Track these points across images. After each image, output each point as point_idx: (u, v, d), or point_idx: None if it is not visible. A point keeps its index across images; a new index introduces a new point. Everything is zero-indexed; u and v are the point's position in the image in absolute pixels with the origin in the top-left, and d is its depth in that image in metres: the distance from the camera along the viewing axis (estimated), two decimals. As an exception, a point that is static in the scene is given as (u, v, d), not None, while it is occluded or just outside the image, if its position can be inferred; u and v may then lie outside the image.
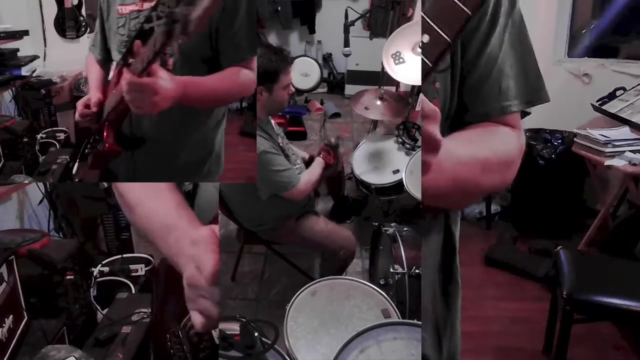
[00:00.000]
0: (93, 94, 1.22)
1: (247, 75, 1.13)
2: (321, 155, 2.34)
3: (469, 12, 0.50)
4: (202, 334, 0.75)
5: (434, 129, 0.56)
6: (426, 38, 0.53)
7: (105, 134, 1.15)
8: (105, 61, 1.32)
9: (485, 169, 0.74)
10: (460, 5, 0.50)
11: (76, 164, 1.30)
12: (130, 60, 0.92)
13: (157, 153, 1.23)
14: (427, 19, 0.53)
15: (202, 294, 0.63)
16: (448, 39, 0.52)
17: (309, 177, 2.22)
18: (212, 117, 1.25)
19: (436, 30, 0.52)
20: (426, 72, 0.53)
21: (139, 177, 1.25)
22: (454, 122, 0.81)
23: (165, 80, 0.92)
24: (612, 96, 3.01)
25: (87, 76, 1.36)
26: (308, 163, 2.38)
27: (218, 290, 0.63)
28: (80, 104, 1.21)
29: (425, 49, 0.53)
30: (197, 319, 0.64)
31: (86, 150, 1.26)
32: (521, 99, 0.80)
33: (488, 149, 0.74)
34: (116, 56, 1.20)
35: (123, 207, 0.87)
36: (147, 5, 1.11)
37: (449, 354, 0.90)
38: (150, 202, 0.80)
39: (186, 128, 1.21)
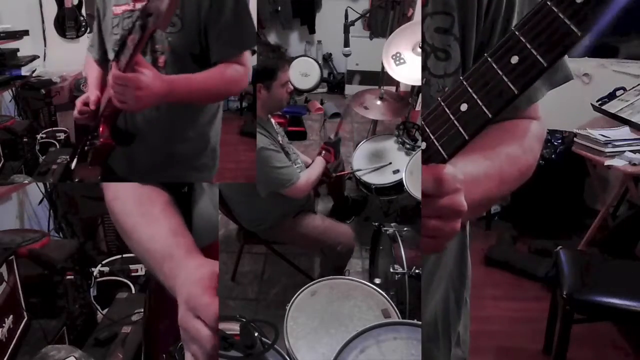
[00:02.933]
0: (92, 92, 1.22)
1: (237, 71, 1.11)
2: (322, 154, 2.34)
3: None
4: None
5: (462, 200, 0.54)
6: (465, 107, 0.52)
7: (100, 129, 1.16)
8: (103, 61, 1.32)
9: (503, 180, 0.72)
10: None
11: (74, 162, 1.30)
12: (121, 56, 0.93)
13: (152, 148, 1.22)
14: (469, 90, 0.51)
15: (193, 337, 0.60)
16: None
17: (309, 175, 2.23)
18: (204, 113, 1.24)
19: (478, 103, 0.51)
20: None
21: (136, 172, 1.24)
22: None
23: (148, 77, 0.93)
24: (612, 96, 3.01)
25: (86, 76, 1.36)
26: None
27: (214, 339, 0.59)
28: (79, 101, 1.21)
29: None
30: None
31: (85, 148, 1.26)
32: (546, 83, 0.77)
33: (505, 161, 0.72)
34: (112, 55, 1.20)
35: (119, 232, 0.84)
36: (138, 5, 1.11)
37: (458, 356, 0.89)
38: (145, 229, 0.77)
39: (178, 123, 1.21)
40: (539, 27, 0.46)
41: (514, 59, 0.47)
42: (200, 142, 1.26)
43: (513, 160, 0.73)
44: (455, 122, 0.53)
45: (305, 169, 2.31)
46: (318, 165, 2.30)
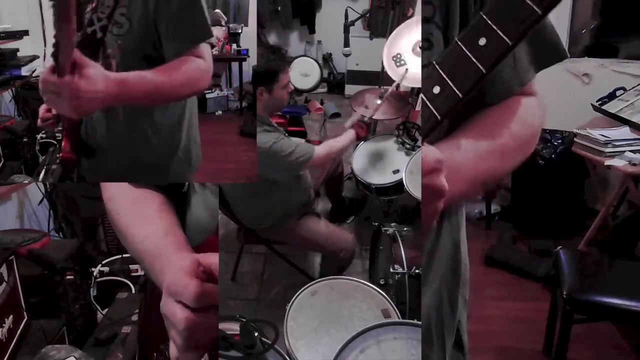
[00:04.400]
0: None
1: (197, 65, 1.02)
2: (354, 127, 2.30)
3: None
4: None
5: (441, 180, 0.55)
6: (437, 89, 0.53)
7: (63, 143, 1.10)
8: None
9: (505, 156, 0.73)
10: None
11: (42, 175, 1.26)
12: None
13: (117, 156, 1.16)
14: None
15: (172, 323, 0.59)
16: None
17: (333, 142, 2.21)
18: (168, 114, 1.15)
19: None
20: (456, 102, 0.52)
21: (107, 180, 1.20)
22: (469, 109, 0.77)
23: (93, 81, 0.80)
24: (612, 96, 3.01)
25: None
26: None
27: (191, 321, 0.58)
28: (42, 108, 1.13)
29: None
30: (171, 350, 0.61)
31: (52, 165, 1.21)
32: (537, 64, 0.77)
33: (506, 135, 0.73)
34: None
35: (115, 231, 0.83)
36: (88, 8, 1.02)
37: (454, 355, 0.89)
38: (139, 228, 0.77)
39: (139, 129, 1.13)
40: (504, 9, 0.49)
41: (482, 41, 0.50)
42: (166, 147, 1.19)
43: (513, 135, 0.74)
44: (429, 104, 0.55)
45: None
46: (347, 136, 2.26)
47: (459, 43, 0.52)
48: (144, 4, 1.02)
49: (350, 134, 2.29)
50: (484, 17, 0.50)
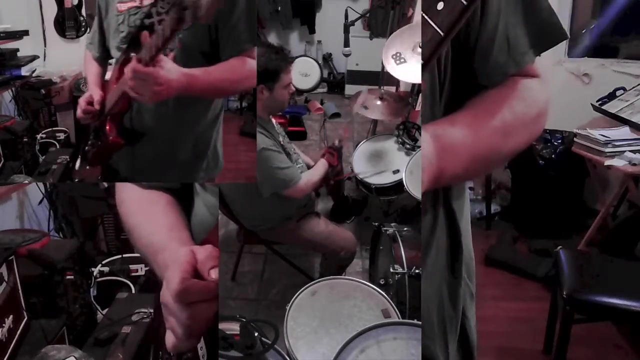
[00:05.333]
0: (95, 91, 1.22)
1: (251, 65, 1.13)
2: (325, 157, 2.34)
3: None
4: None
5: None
6: (440, 5, 0.51)
7: (107, 127, 1.16)
8: (103, 59, 1.32)
9: (507, 134, 0.71)
10: None
11: (78, 162, 1.30)
12: (132, 54, 0.92)
13: (157, 148, 1.23)
14: None
15: (169, 311, 0.60)
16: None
17: (310, 176, 2.23)
18: (209, 112, 1.25)
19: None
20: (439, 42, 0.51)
21: (139, 172, 1.25)
22: (466, 92, 0.76)
23: (169, 72, 0.93)
24: (612, 96, 3.01)
25: (85, 74, 1.36)
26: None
27: (185, 311, 0.58)
28: (82, 101, 1.21)
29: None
30: (168, 338, 0.61)
31: (86, 148, 1.26)
32: (536, 46, 0.75)
33: (507, 112, 0.71)
34: (115, 54, 1.20)
35: (126, 232, 0.88)
36: (146, 2, 1.10)
37: (460, 355, 0.88)
38: (145, 225, 0.80)
39: (184, 122, 1.21)
40: None
41: (440, 5, 0.50)
42: (202, 143, 1.26)
43: (515, 113, 0.72)
44: (430, 21, 0.54)
45: (306, 169, 2.31)
46: (320, 167, 2.30)
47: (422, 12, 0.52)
48: None
49: (322, 164, 2.31)
50: None
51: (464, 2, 0.47)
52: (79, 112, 1.22)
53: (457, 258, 0.86)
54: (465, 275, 0.87)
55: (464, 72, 0.76)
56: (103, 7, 1.23)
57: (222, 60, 1.12)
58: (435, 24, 0.50)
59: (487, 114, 0.71)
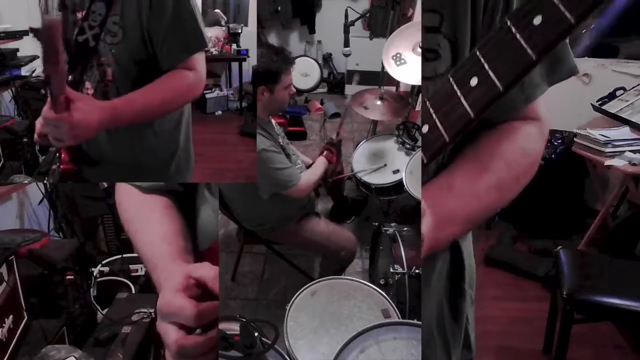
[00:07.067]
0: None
1: (186, 77, 1.06)
2: (324, 154, 2.34)
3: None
4: None
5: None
6: (425, 128, 0.50)
7: (62, 155, 1.13)
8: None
9: (502, 190, 0.71)
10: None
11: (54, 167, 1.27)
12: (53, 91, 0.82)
13: (118, 163, 1.19)
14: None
15: (165, 344, 0.60)
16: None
17: (310, 175, 2.22)
18: (166, 122, 1.19)
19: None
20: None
21: (111, 182, 1.23)
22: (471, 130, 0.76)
23: (85, 112, 0.87)
24: (612, 96, 3.01)
25: None
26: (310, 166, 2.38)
27: (182, 344, 0.57)
28: (38, 124, 1.08)
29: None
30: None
31: (53, 167, 1.22)
32: (548, 79, 0.73)
33: (502, 166, 0.70)
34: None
35: (128, 235, 0.85)
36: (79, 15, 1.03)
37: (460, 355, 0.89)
38: (142, 234, 0.79)
39: (140, 135, 1.16)
40: (498, 48, 0.43)
41: (474, 81, 0.45)
42: (167, 150, 1.22)
43: (510, 166, 0.72)
44: (439, 123, 0.51)
45: (306, 169, 2.31)
46: (320, 166, 2.30)
47: (451, 80, 0.48)
48: (137, 13, 1.03)
49: (322, 162, 2.32)
50: (478, 54, 0.45)
51: (500, 88, 0.43)
52: (35, 136, 1.08)
53: (461, 271, 0.86)
54: (467, 286, 0.88)
55: None
56: None
57: (163, 71, 1.05)
58: (467, 102, 0.46)
59: (484, 172, 0.70)
